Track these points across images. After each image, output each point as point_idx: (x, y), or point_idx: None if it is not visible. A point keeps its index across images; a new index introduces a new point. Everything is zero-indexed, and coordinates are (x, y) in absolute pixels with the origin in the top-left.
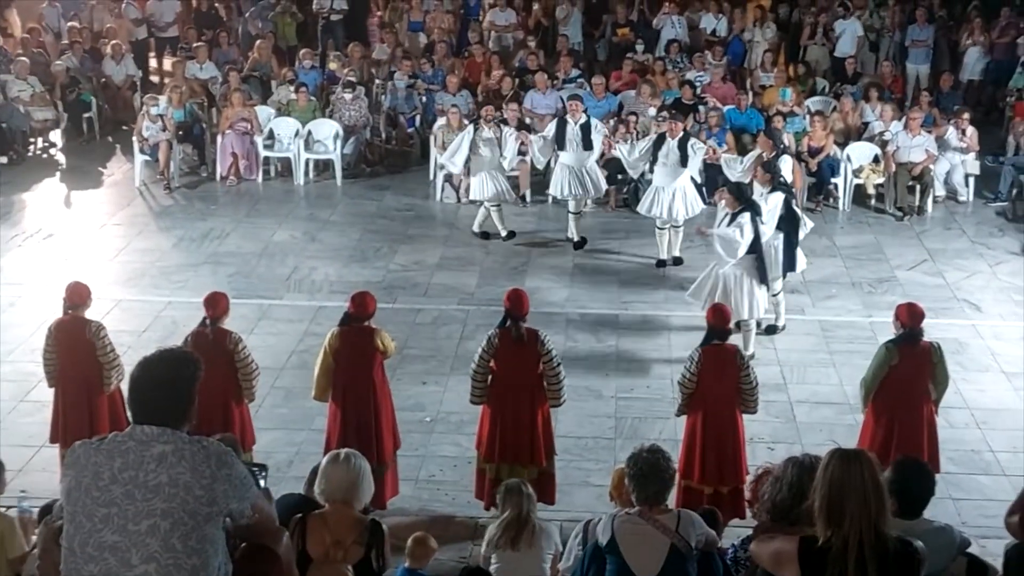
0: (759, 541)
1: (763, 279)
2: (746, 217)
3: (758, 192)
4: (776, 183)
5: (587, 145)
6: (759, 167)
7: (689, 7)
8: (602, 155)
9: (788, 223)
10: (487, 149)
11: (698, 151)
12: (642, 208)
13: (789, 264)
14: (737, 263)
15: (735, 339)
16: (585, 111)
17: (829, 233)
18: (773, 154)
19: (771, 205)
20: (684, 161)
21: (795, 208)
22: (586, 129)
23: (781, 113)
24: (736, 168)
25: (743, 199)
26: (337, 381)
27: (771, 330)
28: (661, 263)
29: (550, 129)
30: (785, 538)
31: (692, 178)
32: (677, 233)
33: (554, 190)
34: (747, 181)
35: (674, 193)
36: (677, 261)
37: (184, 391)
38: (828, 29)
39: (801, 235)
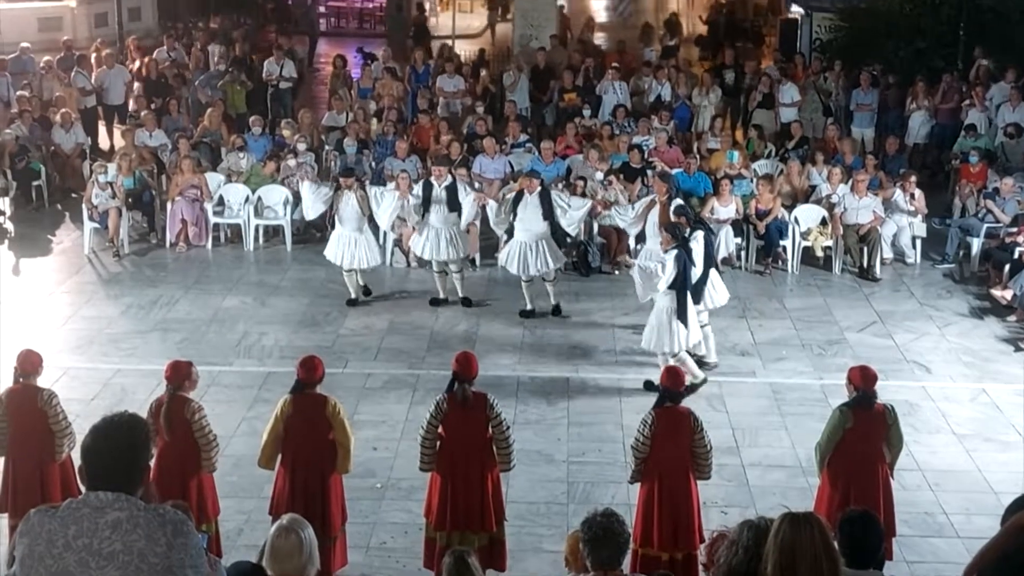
0: None
1: (682, 315)
2: (672, 254)
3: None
4: (680, 240)
5: (453, 207)
6: (664, 231)
7: (634, 74)
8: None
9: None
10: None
11: (576, 205)
12: (500, 261)
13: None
14: (665, 297)
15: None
16: (451, 172)
17: (778, 295)
18: (667, 197)
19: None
20: (547, 214)
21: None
22: (452, 191)
23: (729, 176)
24: (626, 216)
25: (678, 238)
26: (287, 449)
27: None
28: (525, 313)
29: (418, 192)
30: None
31: (563, 230)
32: (551, 284)
33: (421, 252)
34: (637, 229)
35: (533, 247)
36: (556, 311)
37: (137, 455)
38: (774, 94)
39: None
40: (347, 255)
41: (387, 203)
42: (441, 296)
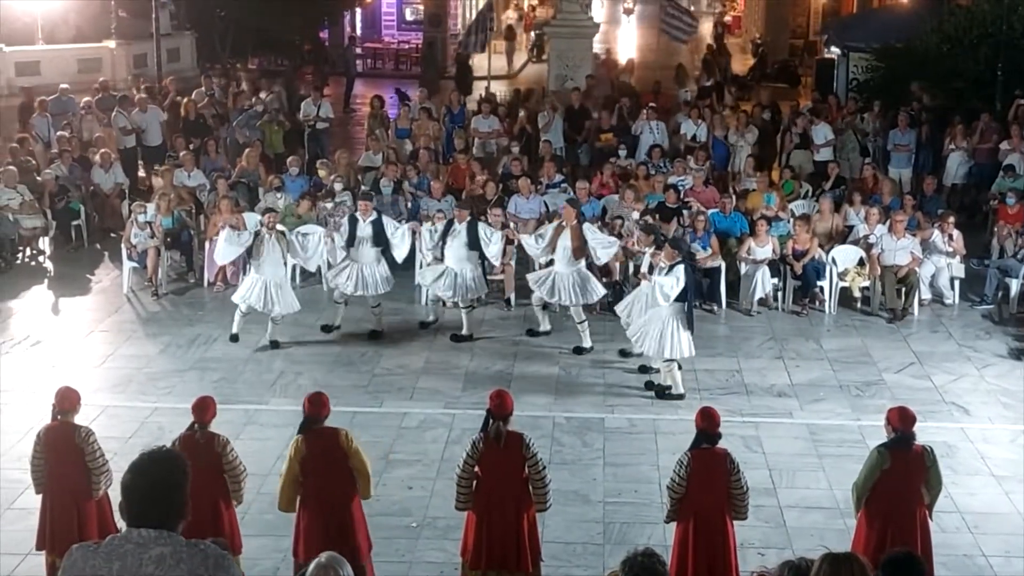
0: None
1: (689, 324)
2: (681, 269)
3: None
4: (685, 254)
5: (378, 242)
6: (668, 246)
7: (670, 114)
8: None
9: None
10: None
11: (493, 237)
12: (426, 284)
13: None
14: (669, 308)
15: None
16: (376, 210)
17: (816, 336)
18: (576, 222)
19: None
20: (473, 244)
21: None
22: (377, 226)
23: (766, 217)
24: (536, 246)
25: (682, 251)
26: (308, 487)
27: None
28: (457, 337)
29: (345, 228)
30: None
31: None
32: (467, 312)
33: (345, 288)
34: (548, 257)
35: (459, 274)
36: (459, 338)
37: (177, 491)
38: (809, 134)
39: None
40: (258, 298)
41: (312, 245)
42: (377, 329)
